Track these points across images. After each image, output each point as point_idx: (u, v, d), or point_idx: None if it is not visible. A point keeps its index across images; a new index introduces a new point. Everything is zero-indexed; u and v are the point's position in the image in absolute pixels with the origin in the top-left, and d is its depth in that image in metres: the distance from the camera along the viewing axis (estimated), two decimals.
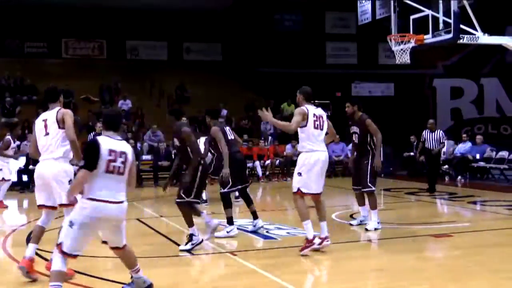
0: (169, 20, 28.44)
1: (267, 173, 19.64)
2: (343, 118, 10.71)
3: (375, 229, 9.15)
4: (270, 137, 21.78)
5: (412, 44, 14.75)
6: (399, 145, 20.98)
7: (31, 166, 16.31)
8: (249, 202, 9.25)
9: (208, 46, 29.94)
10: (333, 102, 29.01)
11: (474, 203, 13.19)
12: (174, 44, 29.79)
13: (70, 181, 6.38)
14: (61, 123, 6.60)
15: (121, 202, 5.35)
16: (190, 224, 7.95)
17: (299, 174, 7.53)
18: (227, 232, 8.75)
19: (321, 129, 7.64)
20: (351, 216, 10.59)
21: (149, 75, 26.17)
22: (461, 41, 14.10)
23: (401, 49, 14.99)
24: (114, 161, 5.25)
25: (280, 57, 28.46)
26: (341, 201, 13.57)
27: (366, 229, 9.17)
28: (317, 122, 7.58)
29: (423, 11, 14.74)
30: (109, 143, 5.30)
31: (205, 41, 29.58)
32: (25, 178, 17.05)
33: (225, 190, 8.86)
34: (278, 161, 20.00)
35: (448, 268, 6.83)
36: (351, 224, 9.69)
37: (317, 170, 7.50)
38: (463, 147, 18.79)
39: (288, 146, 19.92)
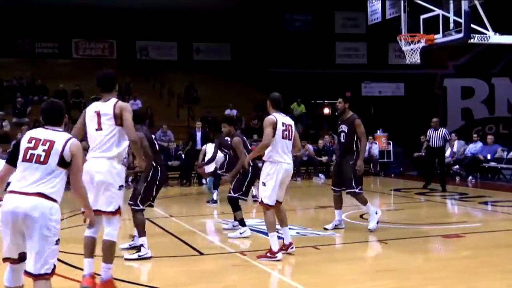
0: (178, 20, 28.52)
1: None
2: None
3: (377, 222, 8.94)
4: None
5: (422, 44, 14.71)
6: (409, 145, 20.93)
7: None
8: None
9: (217, 46, 30.01)
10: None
11: (485, 203, 13.11)
12: (183, 44, 29.87)
13: (120, 187, 5.73)
14: (118, 119, 5.74)
15: (36, 194, 4.41)
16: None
17: (264, 184, 7.21)
18: (240, 233, 8.76)
19: (289, 139, 7.28)
20: (361, 216, 10.56)
21: (159, 75, 26.24)
22: (472, 40, 14.05)
23: (411, 49, 14.96)
24: (33, 148, 4.52)
25: (290, 57, 28.47)
26: (351, 201, 13.53)
27: (370, 230, 8.97)
28: (286, 132, 7.22)
29: (433, 10, 14.70)
30: (35, 132, 4.67)
31: (214, 41, 29.64)
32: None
33: (235, 195, 8.84)
34: None
35: (459, 269, 6.79)
36: (325, 229, 9.20)
37: (280, 181, 7.20)
38: (474, 147, 18.69)
39: None
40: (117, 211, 5.73)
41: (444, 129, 15.52)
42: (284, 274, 6.41)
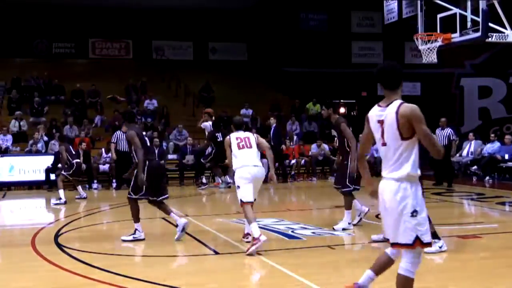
0: (194, 20, 28.59)
1: (293, 172, 19.59)
2: None
3: (343, 229, 9.10)
4: (295, 137, 21.73)
5: (439, 43, 14.63)
6: None
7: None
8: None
9: (233, 46, 30.02)
10: (359, 102, 28.91)
11: (503, 204, 12.98)
12: (199, 44, 29.94)
13: (414, 212, 4.38)
14: (405, 130, 4.35)
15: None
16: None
17: (238, 187, 8.15)
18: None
19: (248, 147, 8.34)
20: (377, 216, 10.50)
21: (175, 75, 26.32)
22: (489, 39, 13.95)
23: (428, 48, 14.89)
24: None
25: (306, 56, 28.43)
26: (366, 201, 13.46)
27: (333, 228, 9.15)
28: (242, 143, 8.35)
29: (450, 9, 14.61)
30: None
31: (230, 40, 29.67)
32: (52, 177, 17.27)
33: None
34: (303, 160, 19.94)
35: (475, 270, 6.74)
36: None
37: (249, 181, 8.09)
38: (491, 147, 18.53)
39: (313, 146, 19.86)
40: (416, 243, 4.42)
41: (449, 129, 16.14)
42: (299, 274, 6.39)
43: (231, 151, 8.35)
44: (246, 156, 8.28)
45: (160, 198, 8.76)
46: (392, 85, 4.57)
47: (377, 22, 29.00)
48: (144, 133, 9.43)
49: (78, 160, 14.49)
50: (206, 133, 16.65)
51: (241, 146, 8.39)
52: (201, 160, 16.47)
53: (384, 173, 4.51)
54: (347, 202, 9.39)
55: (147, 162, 8.54)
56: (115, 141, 16.84)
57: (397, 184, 4.38)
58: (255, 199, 8.24)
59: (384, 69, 4.71)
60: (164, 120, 22.42)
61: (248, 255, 7.40)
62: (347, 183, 9.21)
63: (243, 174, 8.13)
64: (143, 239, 8.61)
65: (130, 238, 8.62)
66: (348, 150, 9.19)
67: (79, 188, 14.45)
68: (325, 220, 11.08)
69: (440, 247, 7.46)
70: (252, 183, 8.12)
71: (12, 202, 15.02)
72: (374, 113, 4.56)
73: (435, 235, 7.36)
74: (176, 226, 8.67)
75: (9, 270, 7.28)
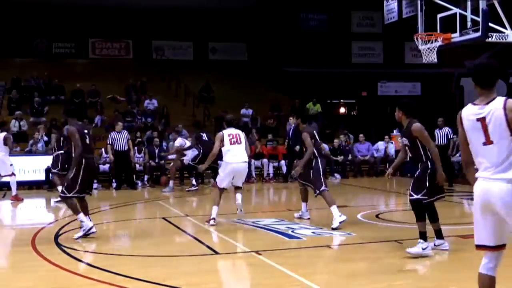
0: (194, 20, 28.60)
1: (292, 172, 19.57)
2: (368, 117, 10.68)
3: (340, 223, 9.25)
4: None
5: (439, 43, 14.63)
6: None
7: None
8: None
9: (233, 45, 30.03)
10: (359, 102, 28.92)
11: None
12: (199, 44, 29.95)
13: None
14: None
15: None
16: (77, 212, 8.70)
17: (219, 174, 10.16)
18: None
19: (238, 143, 10.01)
20: (377, 216, 10.51)
21: (175, 75, 26.32)
22: (489, 39, 13.95)
23: (428, 48, 14.89)
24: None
25: (306, 56, 28.44)
26: (367, 201, 13.50)
27: (332, 229, 9.20)
28: (233, 139, 9.95)
29: (450, 9, 14.61)
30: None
31: (230, 40, 29.68)
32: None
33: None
34: None
35: (476, 270, 6.72)
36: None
37: (231, 174, 10.02)
38: None
39: None
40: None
41: (447, 128, 16.27)
42: (299, 273, 6.39)
43: (222, 145, 9.85)
44: (237, 151, 9.92)
45: (84, 194, 8.82)
46: (490, 83, 4.50)
47: (377, 22, 29.01)
48: (85, 130, 9.24)
49: (62, 152, 13.99)
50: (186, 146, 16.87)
51: (232, 142, 9.91)
52: (190, 163, 16.28)
53: (486, 173, 4.17)
54: (326, 198, 9.68)
55: (83, 160, 8.58)
56: (111, 142, 16.81)
57: (509, 185, 4.05)
58: (240, 187, 10.32)
59: (480, 67, 4.63)
60: (164, 120, 22.42)
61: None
62: (317, 184, 9.69)
63: (229, 168, 9.92)
64: (94, 231, 8.65)
65: (81, 233, 8.55)
66: (312, 157, 9.75)
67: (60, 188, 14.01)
68: (325, 220, 11.08)
69: (424, 249, 7.21)
70: (235, 175, 10.05)
71: (12, 202, 15.01)
72: (471, 112, 4.42)
73: (424, 236, 7.33)
74: (90, 228, 8.69)
75: (10, 270, 7.28)
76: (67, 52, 28.83)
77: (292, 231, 9.14)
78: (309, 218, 10.34)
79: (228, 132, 9.96)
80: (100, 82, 24.44)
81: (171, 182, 16.35)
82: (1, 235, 10.10)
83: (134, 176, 17.39)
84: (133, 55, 29.31)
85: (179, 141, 17.23)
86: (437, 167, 7.28)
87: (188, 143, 16.90)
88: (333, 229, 9.15)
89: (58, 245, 8.31)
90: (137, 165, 17.76)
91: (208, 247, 8.06)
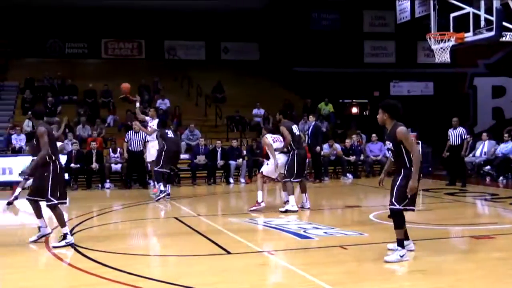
0: (206, 20, 28.65)
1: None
2: None
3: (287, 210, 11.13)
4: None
5: (452, 42, 14.56)
6: (439, 145, 20.68)
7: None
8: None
9: (245, 45, 30.08)
10: (371, 102, 28.82)
11: None
12: (211, 44, 30.00)
13: None
14: None
15: None
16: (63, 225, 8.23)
17: (267, 164, 11.94)
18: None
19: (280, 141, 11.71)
20: (389, 216, 10.45)
21: (187, 75, 26.38)
22: (503, 38, 13.85)
23: (441, 48, 14.82)
24: None
25: (318, 56, 28.38)
26: (379, 201, 13.44)
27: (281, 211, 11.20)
28: (275, 139, 11.73)
29: (463, 8, 14.53)
30: None
31: (242, 40, 29.71)
32: (65, 176, 17.35)
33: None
34: None
35: (489, 271, 6.69)
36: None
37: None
38: (505, 147, 18.37)
39: (325, 146, 19.78)
40: None
41: (462, 128, 16.12)
42: (311, 273, 6.38)
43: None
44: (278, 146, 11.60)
45: (59, 202, 8.24)
46: None
47: (390, 21, 28.91)
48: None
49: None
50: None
51: (274, 140, 11.62)
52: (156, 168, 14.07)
53: None
54: (287, 187, 11.45)
55: (57, 163, 8.10)
56: (127, 141, 17.01)
57: None
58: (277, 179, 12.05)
59: None
60: (176, 120, 22.47)
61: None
62: (288, 173, 11.48)
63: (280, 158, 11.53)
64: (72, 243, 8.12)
65: (63, 243, 8.06)
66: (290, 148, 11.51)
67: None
68: (337, 220, 11.07)
69: (402, 256, 6.95)
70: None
71: (25, 201, 15.09)
72: None
73: (402, 243, 7.04)
74: (39, 228, 8.51)
75: (23, 269, 7.33)
76: (80, 52, 28.99)
77: (304, 231, 9.13)
78: (309, 208, 11.68)
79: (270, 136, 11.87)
80: (113, 82, 24.52)
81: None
82: (15, 234, 10.16)
83: (147, 175, 17.45)
84: (145, 55, 29.42)
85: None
86: (413, 173, 6.87)
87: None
88: (280, 211, 11.15)
89: (71, 244, 8.34)
90: (149, 165, 17.80)
91: (220, 247, 8.06)
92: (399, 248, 7.01)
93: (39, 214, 8.42)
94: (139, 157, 16.84)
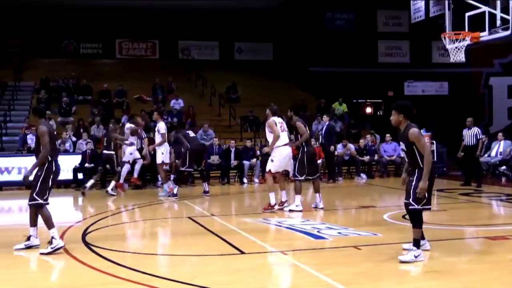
0: (220, 20, 28.71)
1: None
2: None
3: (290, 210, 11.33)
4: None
5: (467, 41, 14.47)
6: (453, 145, 20.57)
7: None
8: None
9: (259, 45, 30.09)
10: (385, 101, 28.71)
11: None
12: (225, 44, 30.05)
13: None
14: None
15: None
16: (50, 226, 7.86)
17: (272, 160, 11.63)
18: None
19: (286, 131, 11.63)
20: (403, 217, 10.41)
21: (201, 75, 26.44)
22: None
23: (456, 47, 14.73)
24: None
25: (332, 56, 28.34)
26: (393, 201, 13.39)
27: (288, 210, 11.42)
28: (282, 127, 11.61)
29: (479, 7, 14.44)
30: None
31: (256, 40, 29.73)
32: (80, 176, 17.48)
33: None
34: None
35: (504, 272, 6.64)
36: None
37: (284, 158, 11.66)
38: None
39: (339, 146, 19.74)
40: None
41: (476, 128, 16.04)
42: (324, 274, 6.37)
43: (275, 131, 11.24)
44: (285, 137, 11.48)
45: (45, 202, 7.92)
46: None
47: (404, 21, 28.81)
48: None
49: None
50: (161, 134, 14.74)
51: (282, 130, 11.43)
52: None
53: None
54: (294, 187, 11.67)
55: (53, 164, 7.84)
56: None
57: None
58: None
59: None
60: (190, 120, 22.52)
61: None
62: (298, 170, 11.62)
63: (283, 152, 11.44)
64: (63, 246, 7.82)
65: (49, 250, 7.70)
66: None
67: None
68: (351, 220, 11.04)
69: (417, 256, 6.91)
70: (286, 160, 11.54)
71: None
72: None
73: (418, 243, 7.02)
74: (29, 238, 8.11)
75: (38, 268, 7.39)
76: (95, 52, 29.18)
77: (318, 231, 9.12)
78: (323, 208, 11.74)
79: (277, 120, 11.56)
80: (127, 82, 24.67)
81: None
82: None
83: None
84: (159, 55, 29.54)
85: None
86: (424, 175, 6.84)
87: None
88: (285, 209, 11.45)
89: (86, 243, 8.40)
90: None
91: (234, 246, 8.07)
92: (414, 248, 7.00)
93: (34, 222, 8.06)
94: (152, 157, 16.87)
